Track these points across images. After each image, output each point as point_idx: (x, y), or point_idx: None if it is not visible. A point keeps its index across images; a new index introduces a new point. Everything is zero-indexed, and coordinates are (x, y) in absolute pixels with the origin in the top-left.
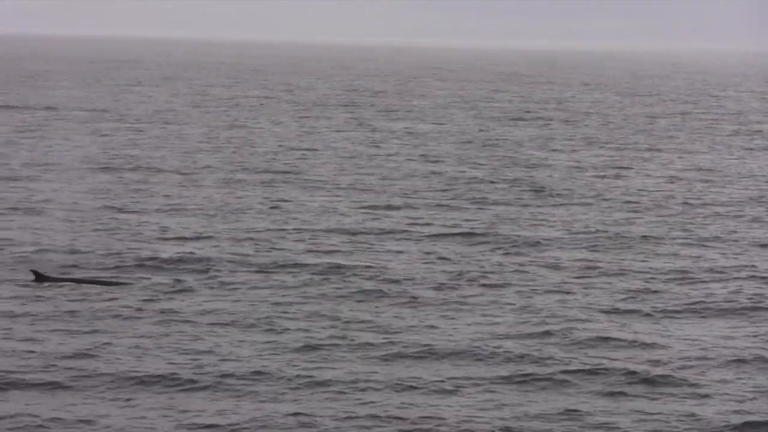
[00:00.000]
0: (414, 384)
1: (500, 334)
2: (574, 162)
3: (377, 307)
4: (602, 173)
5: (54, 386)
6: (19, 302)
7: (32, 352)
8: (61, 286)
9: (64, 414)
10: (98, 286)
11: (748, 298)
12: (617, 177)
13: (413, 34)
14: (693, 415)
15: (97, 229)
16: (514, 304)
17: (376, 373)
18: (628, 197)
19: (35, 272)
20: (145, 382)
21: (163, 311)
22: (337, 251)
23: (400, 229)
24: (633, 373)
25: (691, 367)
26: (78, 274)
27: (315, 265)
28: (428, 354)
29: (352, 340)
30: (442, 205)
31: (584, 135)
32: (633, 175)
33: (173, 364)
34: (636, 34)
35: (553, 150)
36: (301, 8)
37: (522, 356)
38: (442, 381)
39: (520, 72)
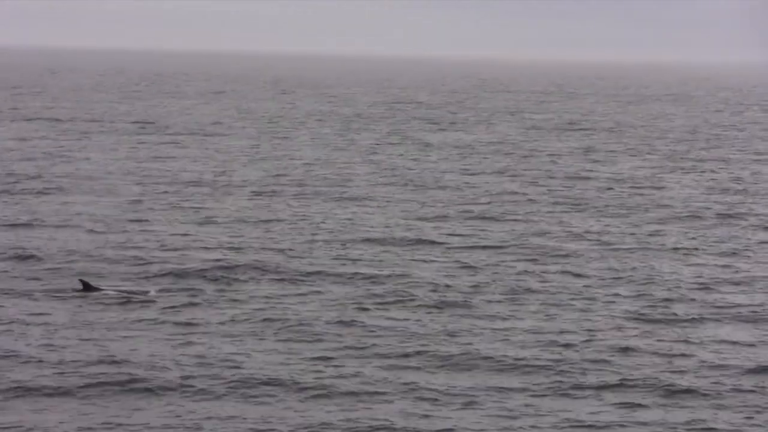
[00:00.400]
0: (429, 396)
1: (519, 344)
2: (613, 173)
3: (398, 315)
4: (639, 184)
5: (66, 393)
6: (62, 310)
7: (44, 360)
8: (107, 296)
9: (78, 421)
10: (137, 295)
11: None
12: (655, 188)
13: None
14: (708, 428)
15: (127, 242)
16: (536, 314)
17: (390, 383)
18: (663, 209)
19: (83, 282)
20: (156, 390)
21: (191, 320)
22: (363, 262)
23: (429, 240)
24: (650, 383)
25: (708, 377)
26: (117, 284)
27: (339, 275)
28: (444, 363)
29: (369, 349)
30: (475, 217)
31: (626, 146)
32: (672, 185)
33: (187, 372)
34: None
35: (594, 161)
36: (309, 15)
37: (539, 367)
38: (458, 393)
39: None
